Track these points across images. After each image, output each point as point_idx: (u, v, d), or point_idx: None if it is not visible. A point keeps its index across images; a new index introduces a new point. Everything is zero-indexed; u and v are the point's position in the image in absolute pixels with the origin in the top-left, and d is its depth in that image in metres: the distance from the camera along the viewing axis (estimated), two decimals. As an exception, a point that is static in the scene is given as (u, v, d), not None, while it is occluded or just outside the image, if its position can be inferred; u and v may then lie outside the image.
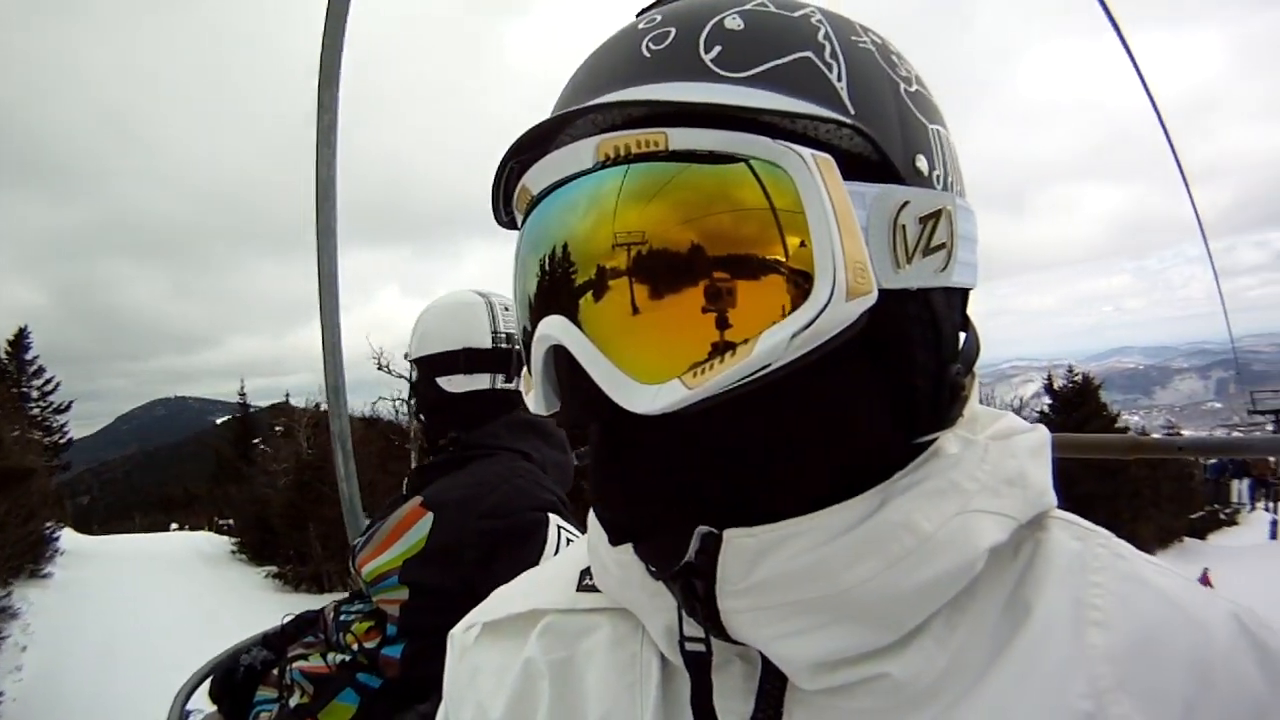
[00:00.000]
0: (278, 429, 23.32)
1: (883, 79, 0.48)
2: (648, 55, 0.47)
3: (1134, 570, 0.49)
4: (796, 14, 0.48)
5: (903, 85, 0.49)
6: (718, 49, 0.45)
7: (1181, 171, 6.64)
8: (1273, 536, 22.25)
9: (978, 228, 0.52)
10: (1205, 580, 14.83)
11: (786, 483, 0.46)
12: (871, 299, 0.41)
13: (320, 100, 3.00)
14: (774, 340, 0.40)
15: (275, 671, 1.80)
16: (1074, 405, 22.17)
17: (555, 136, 0.48)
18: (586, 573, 0.61)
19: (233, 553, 19.83)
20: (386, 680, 1.65)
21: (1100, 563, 0.50)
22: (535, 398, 0.50)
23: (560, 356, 0.47)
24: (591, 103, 0.45)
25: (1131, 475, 18.52)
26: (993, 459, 0.49)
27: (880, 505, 0.46)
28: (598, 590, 0.59)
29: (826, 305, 0.40)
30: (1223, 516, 27.97)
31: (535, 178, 0.48)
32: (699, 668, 0.50)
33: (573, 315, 0.46)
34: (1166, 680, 0.44)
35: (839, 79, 0.46)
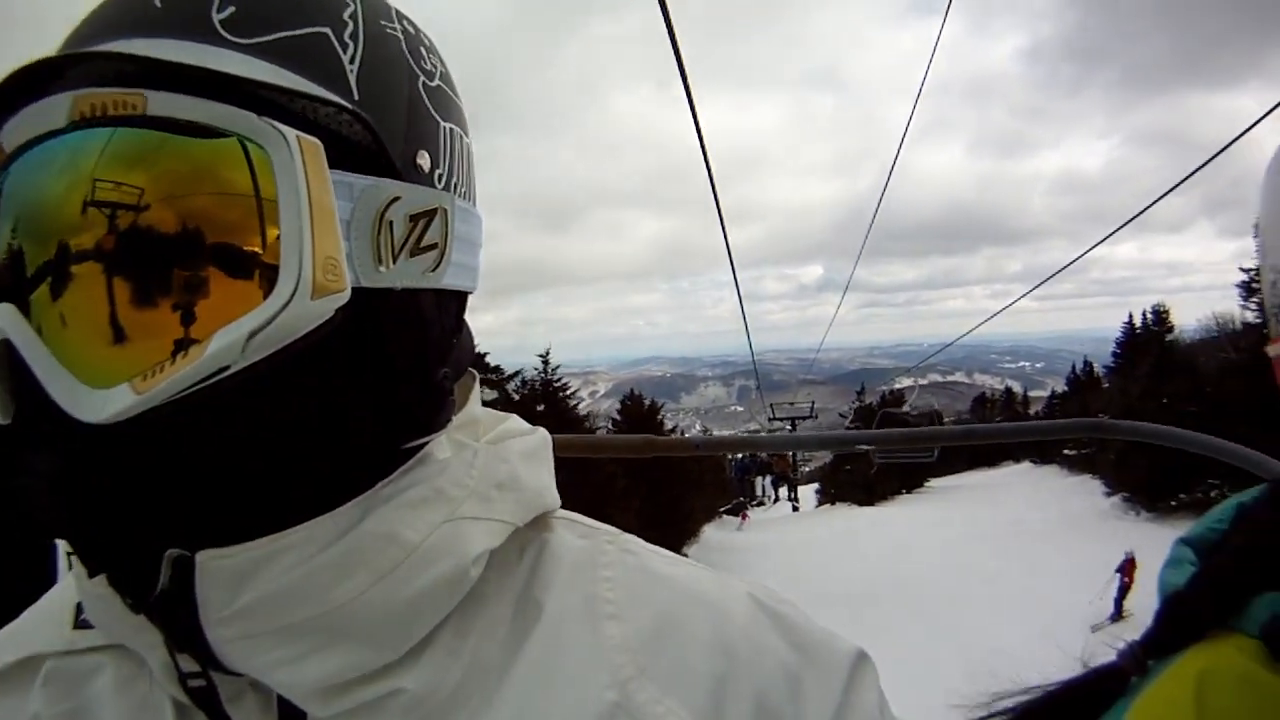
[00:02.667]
0: None
1: (401, 68, 0.46)
2: (158, 6, 0.41)
3: (642, 563, 0.51)
4: None
5: (423, 79, 0.47)
6: (231, 9, 0.41)
7: (719, 208, 7.45)
8: (794, 508, 37.99)
9: (481, 232, 0.51)
10: (1130, 562, 14.59)
11: (264, 496, 0.42)
12: (343, 298, 0.38)
13: None
14: (228, 340, 0.36)
15: None
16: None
17: (41, 87, 0.40)
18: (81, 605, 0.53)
19: None
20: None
21: (608, 558, 0.51)
22: None
23: (11, 353, 0.39)
24: (69, 52, 0.40)
25: (689, 469, 23.28)
26: (482, 464, 0.48)
27: (362, 516, 0.43)
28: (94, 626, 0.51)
29: (289, 302, 0.36)
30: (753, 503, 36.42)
31: (9, 134, 0.40)
32: (210, 705, 0.45)
33: (23, 304, 0.38)
34: (690, 661, 0.45)
35: (351, 61, 0.43)
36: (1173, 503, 21.67)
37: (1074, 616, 13.36)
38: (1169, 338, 27.16)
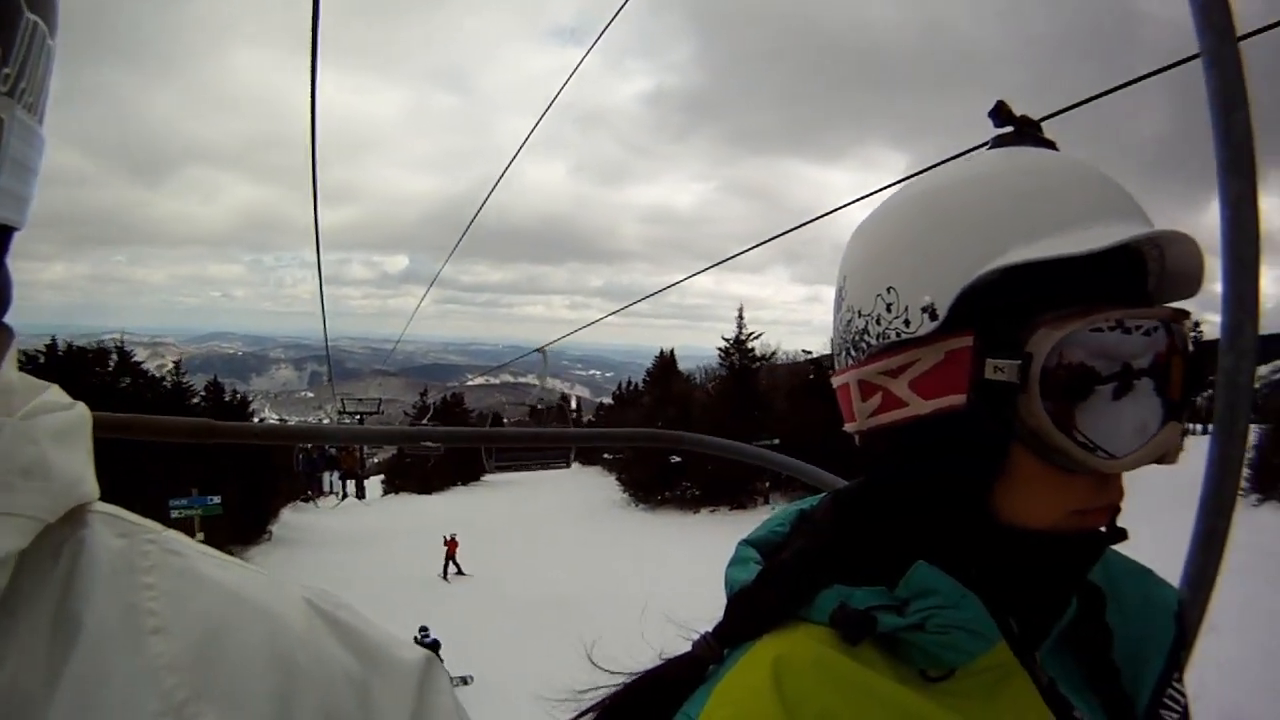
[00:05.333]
0: None
1: None
2: None
3: (189, 566, 0.44)
4: None
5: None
6: None
7: (315, 184, 7.07)
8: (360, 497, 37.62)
9: (41, 158, 0.41)
10: (452, 540, 20.14)
11: None
12: None
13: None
14: None
15: None
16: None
17: None
18: None
19: None
20: None
21: (150, 561, 0.43)
22: None
23: None
24: None
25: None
26: (4, 444, 0.39)
27: None
28: None
29: None
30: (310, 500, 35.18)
31: None
32: None
33: None
34: (248, 678, 0.41)
35: None
36: (658, 498, 27.77)
37: (561, 585, 17.82)
38: (755, 364, 30.01)
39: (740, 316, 30.43)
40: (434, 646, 13.85)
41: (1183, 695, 0.71)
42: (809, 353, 29.75)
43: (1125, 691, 0.66)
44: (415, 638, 14.17)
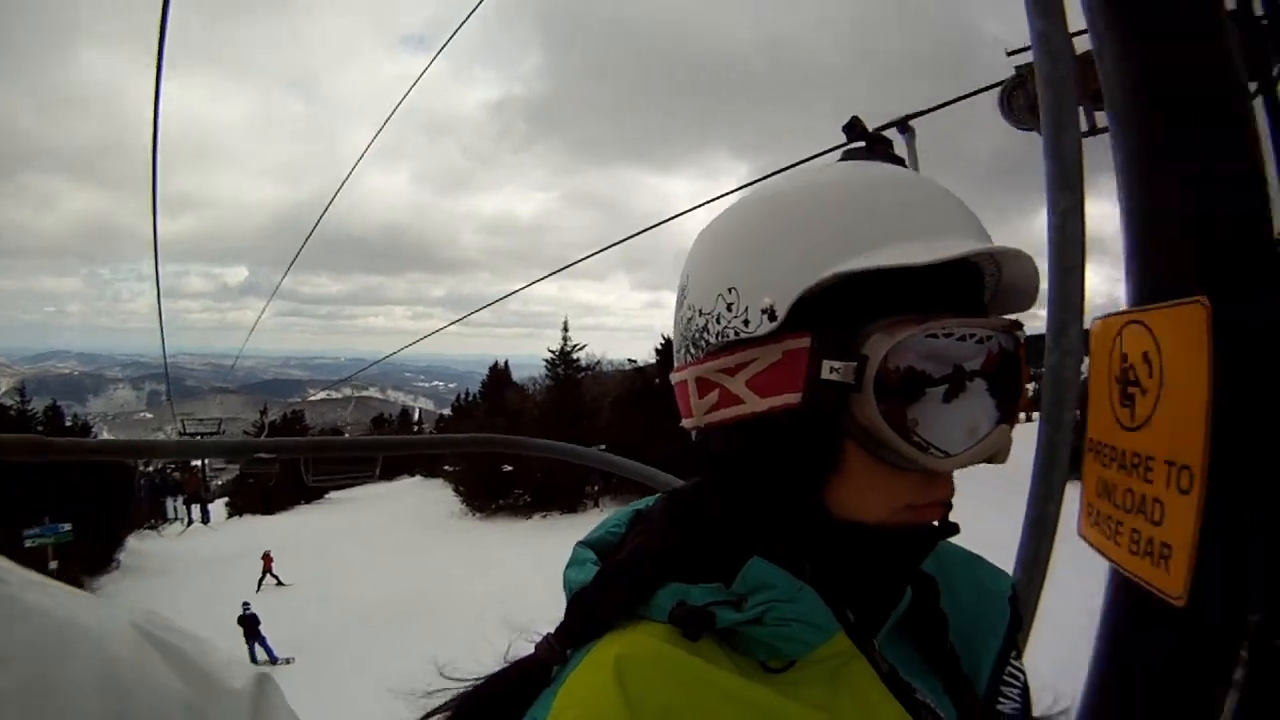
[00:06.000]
0: None
1: None
2: None
3: (12, 595, 0.43)
4: None
5: None
6: None
7: (155, 192, 6.41)
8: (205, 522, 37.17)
9: None
10: (267, 555, 21.57)
11: None
12: None
13: None
14: None
15: None
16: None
17: None
18: None
19: None
20: None
21: None
22: None
23: None
24: None
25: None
26: None
27: None
28: None
29: None
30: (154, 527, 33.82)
31: None
32: None
33: None
34: (76, 707, 0.41)
35: None
36: (492, 506, 29.04)
37: (393, 591, 19.11)
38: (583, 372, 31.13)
39: (565, 329, 31.52)
40: (253, 620, 15.17)
41: (1021, 672, 0.74)
42: (634, 361, 31.18)
43: (965, 673, 0.68)
44: (240, 615, 15.16)
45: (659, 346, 27.50)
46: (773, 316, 0.57)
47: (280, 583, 21.65)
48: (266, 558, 21.91)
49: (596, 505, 27.79)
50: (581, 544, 0.69)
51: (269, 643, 15.32)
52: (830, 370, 0.55)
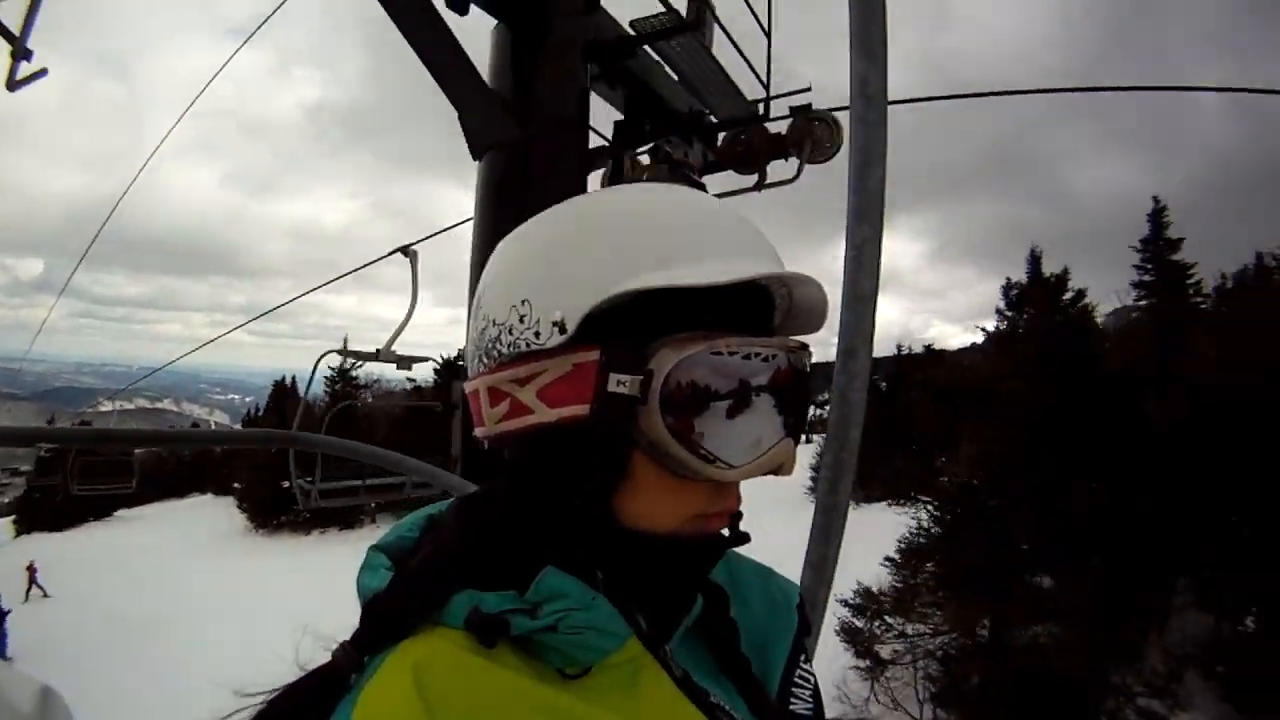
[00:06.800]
0: None
1: None
2: None
3: None
4: None
5: None
6: None
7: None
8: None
9: None
10: (30, 565, 23.44)
11: None
12: None
13: None
14: None
15: None
16: None
17: None
18: None
19: None
20: None
21: None
22: None
23: None
24: None
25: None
26: None
27: None
28: None
29: None
30: None
31: None
32: None
33: None
34: None
35: None
36: (274, 523, 31.66)
37: (164, 606, 20.90)
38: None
39: (345, 344, 33.09)
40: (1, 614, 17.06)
41: (811, 674, 0.77)
42: (413, 380, 31.76)
43: (756, 677, 0.70)
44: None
45: (436, 366, 28.72)
46: (563, 330, 0.58)
47: (45, 594, 23.32)
48: (30, 568, 23.69)
49: (374, 522, 30.41)
50: (375, 548, 0.67)
51: (7, 640, 16.89)
52: (617, 383, 0.57)
